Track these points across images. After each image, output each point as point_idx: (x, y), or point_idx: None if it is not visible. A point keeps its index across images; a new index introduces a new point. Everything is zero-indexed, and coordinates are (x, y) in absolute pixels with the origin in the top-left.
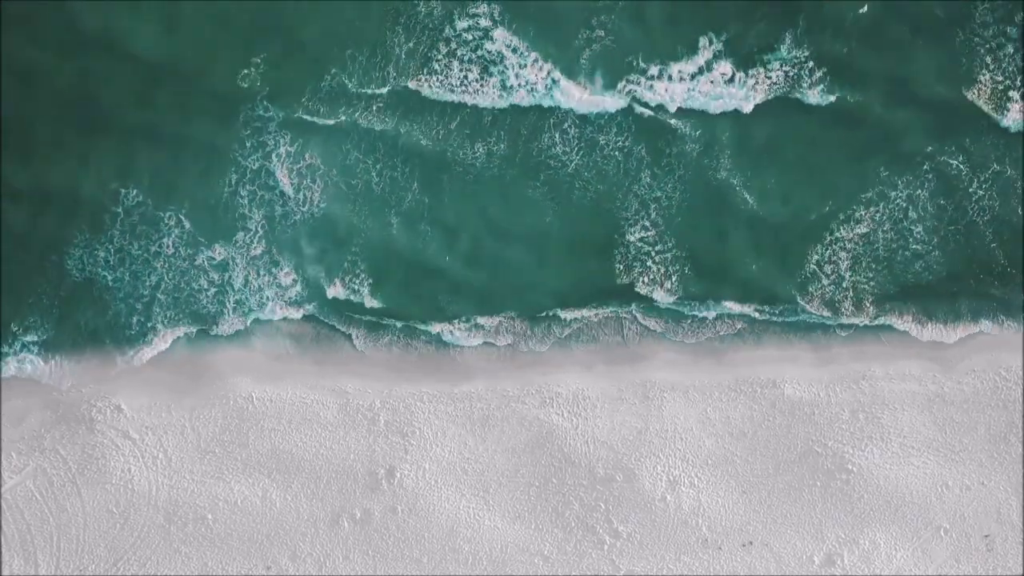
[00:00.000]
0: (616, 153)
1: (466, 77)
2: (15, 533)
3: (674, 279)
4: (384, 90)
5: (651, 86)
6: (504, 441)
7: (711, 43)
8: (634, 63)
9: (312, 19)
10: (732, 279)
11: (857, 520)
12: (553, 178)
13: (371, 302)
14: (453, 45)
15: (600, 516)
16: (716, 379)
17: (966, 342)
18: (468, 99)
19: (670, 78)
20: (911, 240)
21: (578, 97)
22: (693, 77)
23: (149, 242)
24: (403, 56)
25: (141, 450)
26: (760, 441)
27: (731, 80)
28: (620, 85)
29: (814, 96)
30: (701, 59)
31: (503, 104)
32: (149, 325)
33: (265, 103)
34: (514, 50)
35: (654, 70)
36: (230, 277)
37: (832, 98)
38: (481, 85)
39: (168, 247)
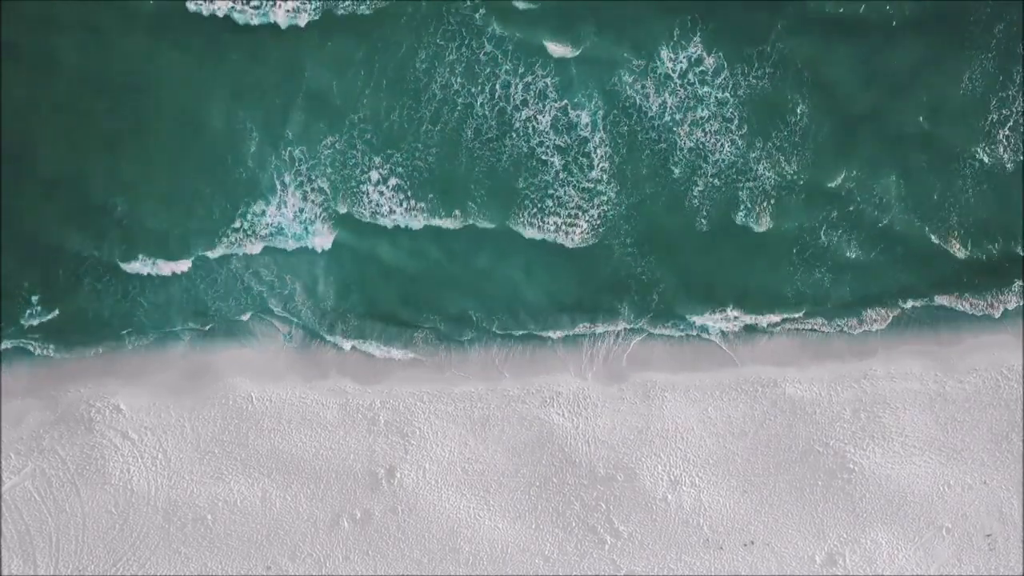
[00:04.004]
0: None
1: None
2: (14, 534)
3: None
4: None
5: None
6: (505, 441)
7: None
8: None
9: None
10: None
11: (859, 519)
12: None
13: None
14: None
15: (601, 516)
16: (717, 378)
17: (967, 341)
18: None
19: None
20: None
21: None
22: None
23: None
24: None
25: (140, 450)
26: (761, 440)
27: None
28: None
29: None
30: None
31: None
32: (147, 323)
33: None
34: None
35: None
36: (226, 275)
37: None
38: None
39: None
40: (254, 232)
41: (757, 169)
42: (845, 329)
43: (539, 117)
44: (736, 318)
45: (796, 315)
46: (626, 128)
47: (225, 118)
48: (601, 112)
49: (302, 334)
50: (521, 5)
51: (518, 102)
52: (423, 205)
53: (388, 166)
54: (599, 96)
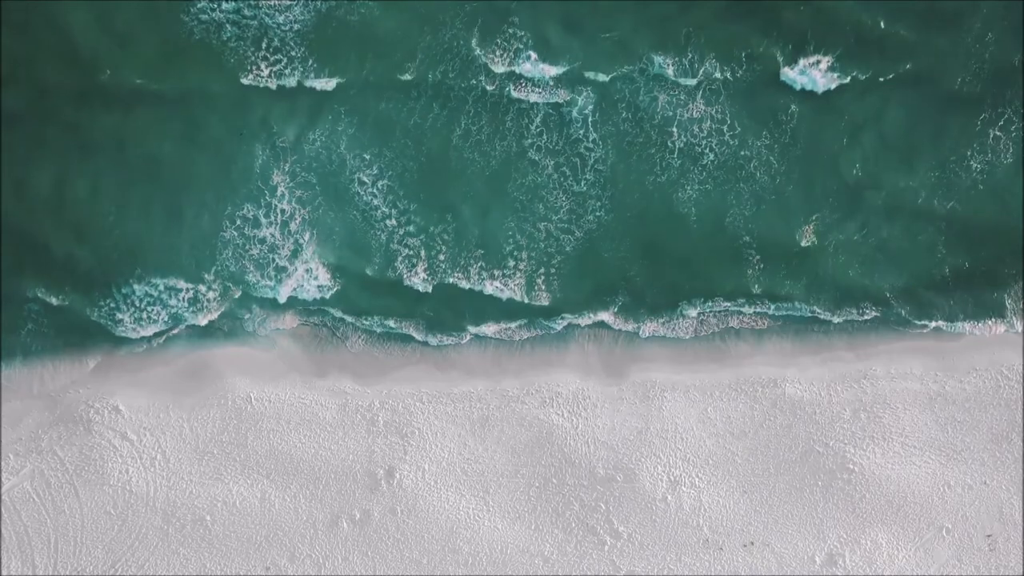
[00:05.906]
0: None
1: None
2: (12, 535)
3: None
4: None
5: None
6: (504, 441)
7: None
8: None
9: None
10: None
11: (859, 520)
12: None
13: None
14: None
15: (600, 516)
16: (717, 378)
17: (967, 340)
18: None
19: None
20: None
21: None
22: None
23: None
24: None
25: (139, 451)
26: (761, 441)
27: None
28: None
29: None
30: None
31: None
32: (147, 320)
33: None
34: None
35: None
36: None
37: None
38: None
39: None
40: (245, 248)
41: (749, 168)
42: (843, 326)
43: (531, 114)
44: (727, 315)
45: (793, 314)
46: (614, 128)
47: (216, 126)
48: (592, 107)
49: (300, 334)
50: (500, 70)
51: (512, 96)
52: (416, 205)
53: (377, 166)
54: (592, 91)
